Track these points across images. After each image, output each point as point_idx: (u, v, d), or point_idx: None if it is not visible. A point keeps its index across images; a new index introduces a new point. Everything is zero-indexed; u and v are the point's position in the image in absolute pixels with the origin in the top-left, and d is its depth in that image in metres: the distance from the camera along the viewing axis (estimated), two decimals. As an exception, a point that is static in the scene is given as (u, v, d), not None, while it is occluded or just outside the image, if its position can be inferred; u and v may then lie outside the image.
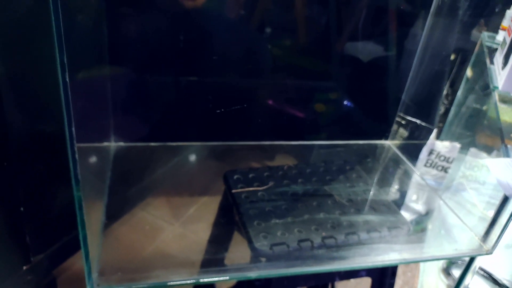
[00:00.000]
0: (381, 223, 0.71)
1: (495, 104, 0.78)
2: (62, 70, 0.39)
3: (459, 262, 1.08)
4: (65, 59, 0.39)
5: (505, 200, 0.69)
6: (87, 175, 0.48)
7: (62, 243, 0.83)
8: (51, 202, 0.79)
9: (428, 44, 0.87)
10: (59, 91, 0.42)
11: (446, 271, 1.08)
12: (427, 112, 0.94)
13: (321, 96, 0.91)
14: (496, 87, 0.75)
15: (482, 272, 1.01)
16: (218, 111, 0.81)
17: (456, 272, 1.07)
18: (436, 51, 0.89)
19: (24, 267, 0.75)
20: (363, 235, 0.68)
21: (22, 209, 0.71)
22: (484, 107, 0.90)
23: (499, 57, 0.76)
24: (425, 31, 0.86)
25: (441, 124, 0.94)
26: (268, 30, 0.80)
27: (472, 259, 0.74)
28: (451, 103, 0.93)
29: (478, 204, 0.87)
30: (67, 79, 0.39)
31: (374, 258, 0.65)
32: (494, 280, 1.01)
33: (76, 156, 0.44)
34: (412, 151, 0.92)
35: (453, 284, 1.05)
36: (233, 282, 0.83)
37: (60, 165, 0.77)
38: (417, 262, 1.03)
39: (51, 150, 0.74)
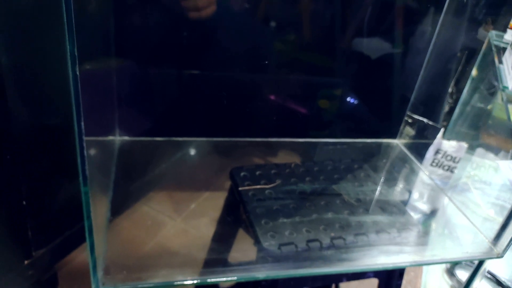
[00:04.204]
0: (390, 224, 0.70)
1: (505, 104, 0.77)
2: (72, 62, 0.37)
3: (463, 262, 1.08)
4: (76, 51, 0.37)
5: (517, 203, 0.68)
6: (92, 169, 0.47)
7: (64, 237, 0.81)
8: (54, 196, 0.77)
9: (440, 42, 0.86)
10: (64, 84, 0.40)
11: (450, 272, 1.07)
12: (435, 111, 0.93)
13: (328, 93, 0.89)
14: (506, 87, 0.74)
15: (486, 273, 1.00)
16: (223, 103, 0.80)
17: (460, 273, 1.06)
18: (447, 49, 0.87)
19: (26, 262, 0.74)
20: (372, 236, 0.67)
21: (24, 203, 0.70)
22: (489, 107, 0.89)
23: (508, 57, 0.75)
24: (437, 29, 0.85)
25: (445, 123, 0.92)
26: (273, 24, 0.79)
27: (481, 262, 0.73)
28: (456, 102, 0.92)
29: (484, 205, 0.86)
30: (77, 72, 0.38)
31: (384, 260, 0.64)
32: (498, 282, 1.00)
33: (85, 151, 0.42)
34: (421, 150, 0.91)
35: (457, 285, 1.04)
36: (237, 280, 0.82)
37: (63, 159, 0.76)
38: (427, 264, 1.03)
39: (54, 144, 0.73)
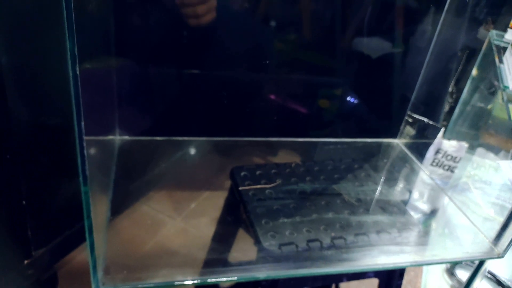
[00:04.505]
0: (391, 224, 0.70)
1: (506, 104, 0.77)
2: (72, 61, 0.37)
3: (463, 262, 1.08)
4: (76, 51, 0.37)
5: (518, 202, 0.68)
6: (92, 169, 0.47)
7: (63, 237, 0.81)
8: (54, 195, 0.77)
9: (441, 42, 0.86)
10: (64, 84, 0.40)
11: (450, 271, 1.07)
12: (436, 110, 0.93)
13: (329, 93, 0.89)
14: (507, 87, 0.74)
15: (486, 273, 1.00)
16: (223, 103, 0.80)
17: (460, 273, 1.06)
18: (448, 49, 0.87)
19: (25, 261, 0.74)
20: (373, 236, 0.67)
21: (24, 202, 0.70)
22: (489, 106, 0.89)
23: (508, 57, 0.75)
24: (438, 29, 0.84)
25: (445, 123, 0.92)
26: (273, 24, 0.78)
27: (482, 262, 0.73)
28: (456, 102, 0.91)
29: (484, 205, 0.86)
30: (78, 71, 0.37)
31: (384, 259, 0.64)
32: (498, 282, 1.00)
33: (85, 151, 0.42)
34: (422, 150, 0.91)
35: (457, 284, 1.04)
36: (237, 280, 0.82)
37: (63, 159, 0.75)
38: (427, 264, 1.02)
39: (54, 143, 0.73)
